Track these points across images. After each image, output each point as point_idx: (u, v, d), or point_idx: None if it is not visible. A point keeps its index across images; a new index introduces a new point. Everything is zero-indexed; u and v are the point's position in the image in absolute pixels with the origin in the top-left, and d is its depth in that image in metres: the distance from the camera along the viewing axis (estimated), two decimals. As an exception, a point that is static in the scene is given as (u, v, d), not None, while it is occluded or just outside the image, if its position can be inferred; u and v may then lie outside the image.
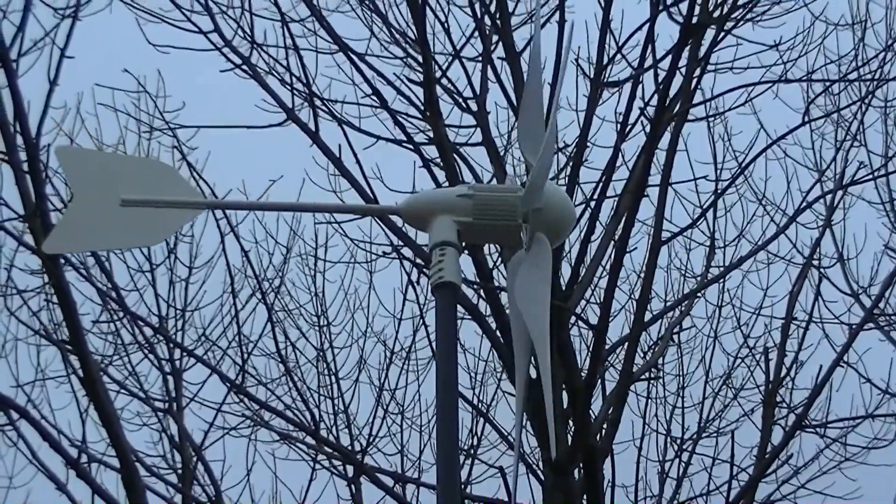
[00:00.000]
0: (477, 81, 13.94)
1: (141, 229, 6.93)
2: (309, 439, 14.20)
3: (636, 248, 13.89)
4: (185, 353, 14.31)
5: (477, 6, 14.24)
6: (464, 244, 6.72)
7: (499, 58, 14.06)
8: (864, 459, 14.70)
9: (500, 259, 13.80)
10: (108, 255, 14.21)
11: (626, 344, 13.41)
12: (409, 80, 14.02)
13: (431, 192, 7.29)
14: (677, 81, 13.34)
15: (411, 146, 13.91)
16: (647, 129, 13.31)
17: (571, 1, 14.00)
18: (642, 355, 14.14)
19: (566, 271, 13.53)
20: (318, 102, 13.83)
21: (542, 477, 13.24)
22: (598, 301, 13.51)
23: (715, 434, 14.77)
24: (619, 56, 14.08)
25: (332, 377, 14.77)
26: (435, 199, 6.79)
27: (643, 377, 14.04)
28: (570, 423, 13.00)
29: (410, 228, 11.81)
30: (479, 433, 14.52)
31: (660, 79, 13.45)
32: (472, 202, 6.63)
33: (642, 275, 13.40)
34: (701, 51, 13.78)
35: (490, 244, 12.29)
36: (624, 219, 13.15)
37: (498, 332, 13.37)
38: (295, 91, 13.92)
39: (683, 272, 15.18)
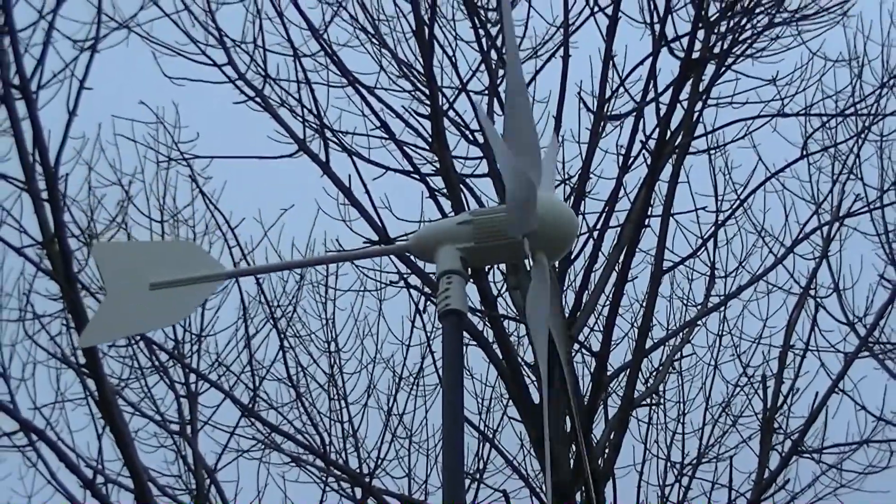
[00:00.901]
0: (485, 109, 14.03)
1: (169, 307, 7.19)
2: (319, 462, 14.17)
3: (638, 276, 14.01)
4: (199, 378, 14.30)
5: (483, 41, 14.42)
6: (470, 270, 6.86)
7: (504, 91, 13.72)
8: (860, 485, 14.74)
9: (504, 287, 13.98)
10: None
11: (628, 370, 13.46)
12: (417, 112, 14.14)
13: (434, 224, 7.37)
14: (678, 115, 13.65)
15: (419, 177, 14.03)
16: (649, 161, 13.45)
17: (576, 37, 14.19)
18: (643, 382, 14.18)
19: (570, 299, 13.65)
20: (328, 134, 13.93)
21: (545, 500, 13.32)
22: (601, 328, 13.55)
23: (714, 459, 14.78)
24: (621, 90, 14.22)
25: (342, 402, 14.79)
26: (438, 231, 6.96)
27: (644, 403, 14.09)
28: (573, 447, 13.01)
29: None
30: (485, 458, 14.47)
31: (661, 112, 13.56)
32: (473, 227, 6.80)
33: (644, 303, 13.63)
34: (701, 85, 13.97)
35: (498, 264, 12.82)
36: (626, 248, 13.33)
37: (503, 359, 13.42)
38: (306, 123, 14.03)
39: (684, 301, 15.19)
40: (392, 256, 14.16)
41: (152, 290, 7.03)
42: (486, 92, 14.49)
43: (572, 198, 13.87)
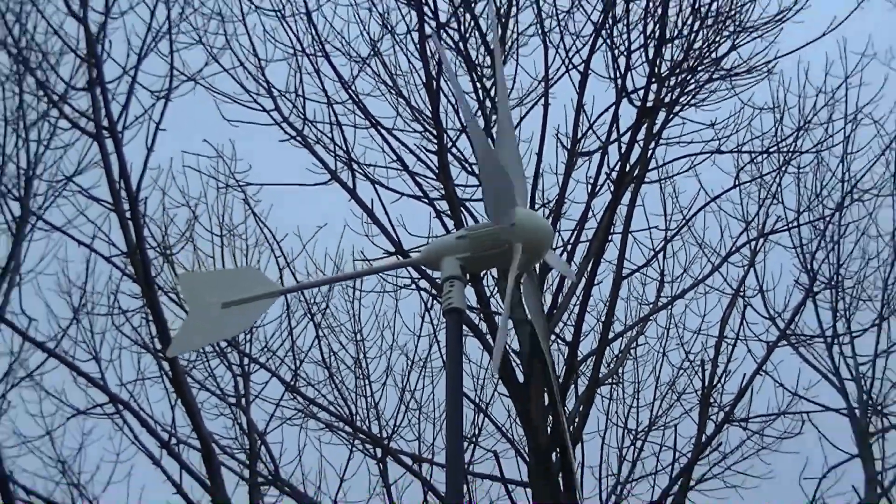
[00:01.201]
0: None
1: (237, 321, 7.73)
2: (347, 428, 14.59)
3: (602, 281, 14.24)
4: (251, 360, 14.62)
5: (480, 91, 14.62)
6: (468, 276, 7.28)
7: (496, 132, 14.16)
8: (777, 448, 15.16)
9: (496, 289, 14.33)
10: None
11: (594, 356, 13.71)
12: (426, 149, 14.44)
13: (439, 240, 7.58)
14: (636, 152, 13.94)
15: (427, 201, 14.28)
16: (612, 189, 13.76)
17: (554, 89, 14.35)
18: (606, 365, 14.31)
19: (548, 299, 13.73)
20: (355, 166, 14.20)
21: (528, 459, 13.51)
22: (573, 323, 13.66)
23: (662, 427, 15.06)
24: (590, 132, 14.49)
25: (366, 380, 14.99)
26: (441, 245, 7.39)
27: (607, 382, 14.55)
28: (550, 418, 13.23)
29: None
30: (479, 425, 14.77)
31: (622, 150, 13.86)
32: (468, 241, 7.25)
33: (607, 303, 13.78)
34: (655, 128, 14.21)
35: (491, 269, 12.41)
36: (593, 259, 13.64)
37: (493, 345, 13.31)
38: (337, 157, 14.26)
39: (639, 301, 15.49)
40: (407, 267, 13.97)
41: (224, 308, 7.49)
42: (483, 132, 13.92)
43: (550, 218, 14.00)
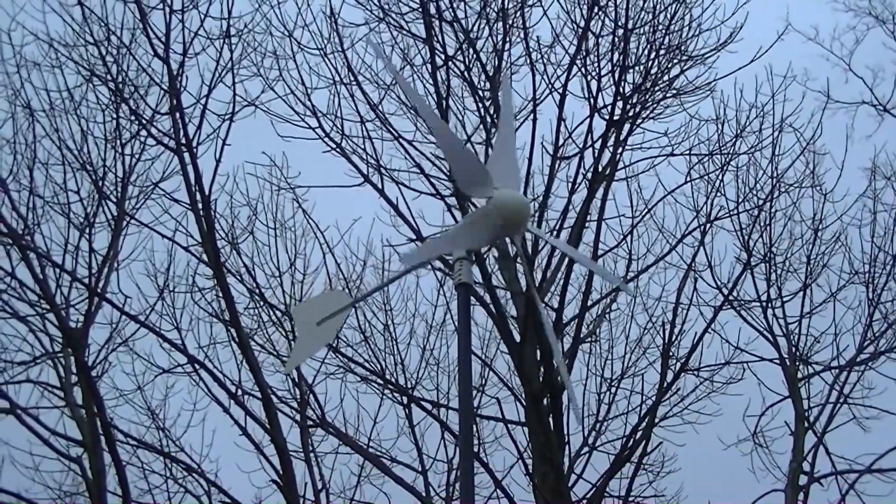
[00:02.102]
0: (482, 157, 13.73)
1: (328, 332, 7.83)
2: (378, 380, 14.51)
3: None
4: None
5: (482, 110, 14.74)
6: (474, 256, 7.58)
7: (495, 142, 13.63)
8: (724, 391, 15.10)
9: (497, 267, 14.35)
10: (254, 265, 14.42)
11: (577, 320, 13.91)
12: (439, 156, 14.37)
13: (449, 231, 7.93)
14: (606, 156, 14.08)
15: (440, 197, 14.37)
16: (588, 186, 13.92)
17: (540, 107, 14.37)
18: (587, 326, 14.37)
19: (539, 275, 13.76)
20: (383, 171, 14.27)
21: (524, 404, 13.61)
22: (559, 292, 13.75)
23: (631, 376, 14.95)
24: (569, 140, 14.50)
25: (394, 342, 14.86)
26: (451, 233, 7.60)
27: (587, 340, 14.54)
28: (542, 370, 13.36)
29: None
30: (485, 376, 14.82)
31: (595, 154, 13.99)
32: (466, 226, 7.40)
33: (586, 277, 14.00)
34: (621, 137, 14.28)
35: (490, 245, 12.97)
36: (575, 242, 13.67)
37: (496, 313, 13.66)
38: (369, 164, 14.32)
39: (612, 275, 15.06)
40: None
41: (319, 325, 7.65)
42: (484, 143, 14.63)
43: (538, 212, 13.97)
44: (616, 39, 14.12)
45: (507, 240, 12.84)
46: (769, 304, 15.95)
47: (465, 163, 7.34)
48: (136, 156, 14.24)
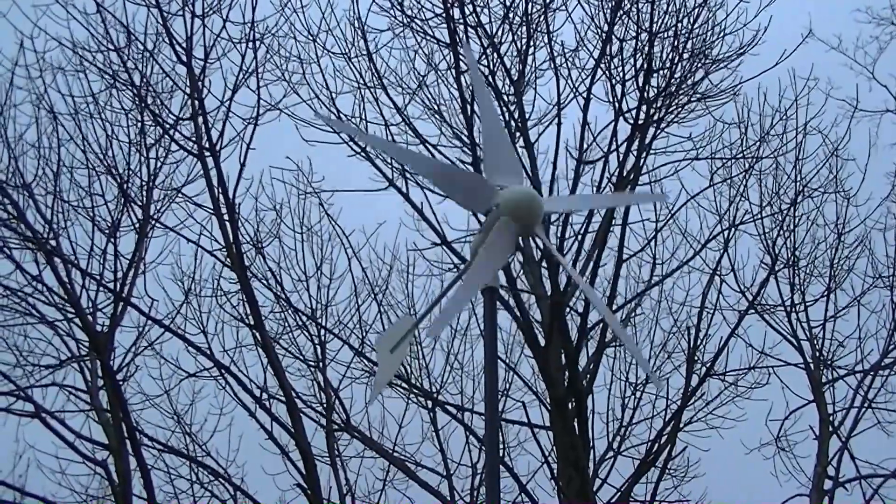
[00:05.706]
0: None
1: (399, 355, 7.87)
2: (403, 385, 14.34)
3: (606, 264, 14.00)
4: (327, 331, 14.37)
5: (506, 114, 14.41)
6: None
7: (520, 146, 14.14)
8: (749, 396, 14.91)
9: (522, 272, 14.08)
10: (280, 270, 14.33)
11: (601, 324, 13.69)
12: (463, 161, 14.23)
13: (475, 238, 7.50)
14: (631, 161, 13.80)
15: None
16: (612, 190, 13.58)
17: (565, 111, 14.07)
18: (611, 331, 13.91)
19: (563, 280, 13.38)
20: (408, 175, 14.01)
21: (549, 408, 13.46)
22: (584, 298, 13.59)
23: (656, 380, 14.72)
24: (594, 144, 14.25)
25: (419, 346, 14.70)
26: (477, 241, 7.32)
27: (612, 345, 14.30)
28: (566, 373, 13.16)
29: (467, 254, 11.44)
30: (510, 380, 14.67)
31: (620, 158, 13.72)
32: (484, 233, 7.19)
33: (610, 281, 13.71)
34: (645, 141, 14.05)
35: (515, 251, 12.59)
36: (599, 246, 13.60)
37: (521, 317, 13.51)
38: (393, 168, 14.12)
39: (636, 279, 15.16)
40: (452, 254, 14.02)
41: (391, 351, 7.73)
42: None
43: (563, 215, 13.78)
44: (640, 43, 13.94)
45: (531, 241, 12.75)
46: (793, 309, 15.80)
47: (459, 183, 7.25)
48: (161, 160, 14.11)
